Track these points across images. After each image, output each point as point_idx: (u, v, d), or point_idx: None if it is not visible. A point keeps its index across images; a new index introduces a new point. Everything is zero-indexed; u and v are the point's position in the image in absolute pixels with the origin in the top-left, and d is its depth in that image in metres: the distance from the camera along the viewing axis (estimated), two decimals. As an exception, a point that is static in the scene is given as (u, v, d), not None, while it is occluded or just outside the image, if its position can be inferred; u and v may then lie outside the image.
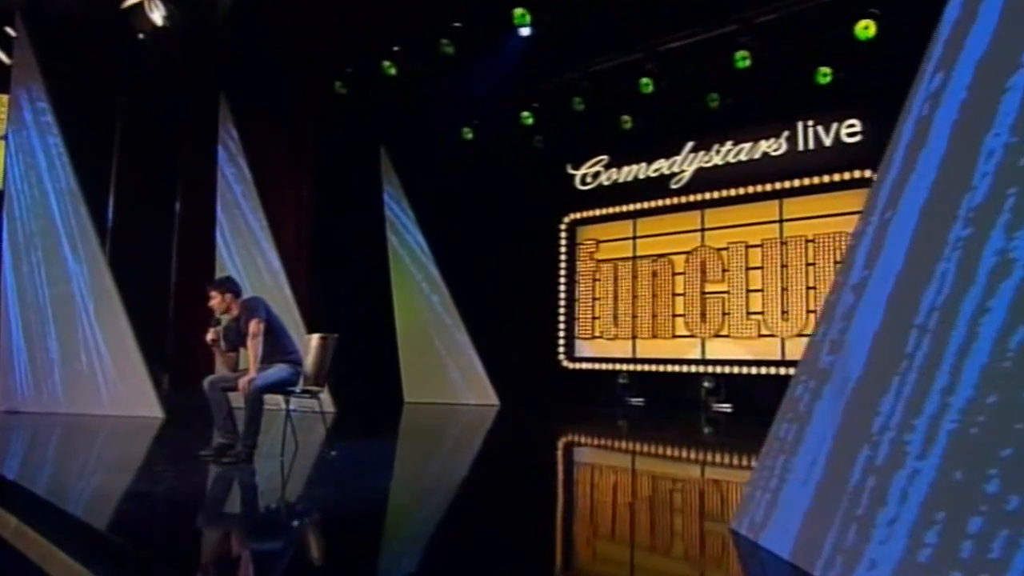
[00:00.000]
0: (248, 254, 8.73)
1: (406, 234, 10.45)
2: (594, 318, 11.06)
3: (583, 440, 7.17)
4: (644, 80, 8.77)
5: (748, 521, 3.20)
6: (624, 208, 10.78)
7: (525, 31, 8.08)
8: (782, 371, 9.12)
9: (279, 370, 4.79)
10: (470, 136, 10.55)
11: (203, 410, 8.00)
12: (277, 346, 4.84)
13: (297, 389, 4.93)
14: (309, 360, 5.13)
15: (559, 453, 6.40)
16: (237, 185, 9.04)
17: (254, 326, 4.75)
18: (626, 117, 9.87)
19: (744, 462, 5.89)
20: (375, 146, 10.61)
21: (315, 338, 5.23)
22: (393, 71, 8.76)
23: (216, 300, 4.86)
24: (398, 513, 3.83)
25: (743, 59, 8.00)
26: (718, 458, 6.05)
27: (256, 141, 9.28)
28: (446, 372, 9.98)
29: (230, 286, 4.94)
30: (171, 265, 10.55)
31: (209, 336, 4.85)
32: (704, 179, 9.99)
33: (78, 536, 3.23)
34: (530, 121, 10.15)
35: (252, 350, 4.71)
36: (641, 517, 3.85)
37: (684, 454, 6.35)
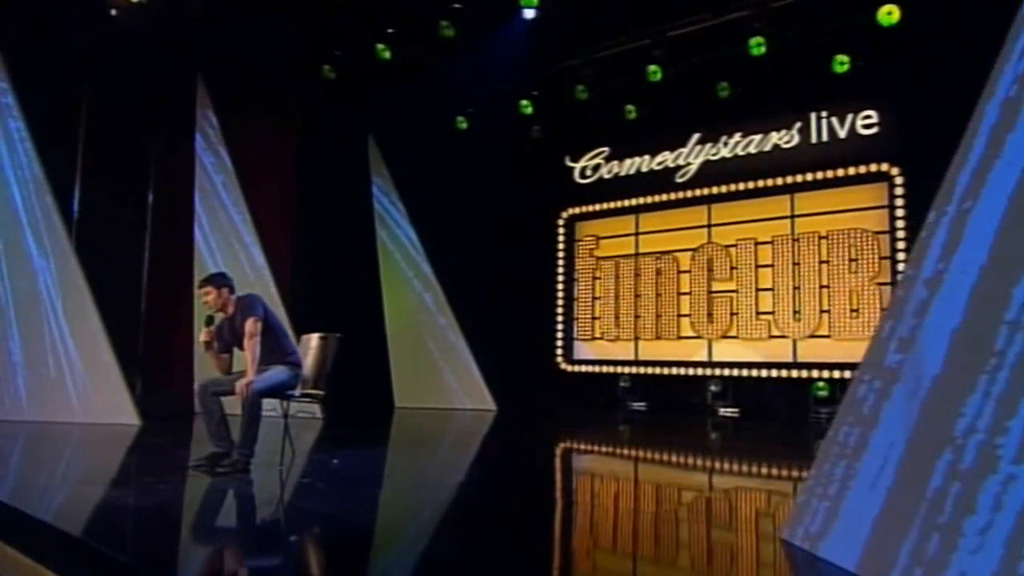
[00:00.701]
0: (230, 249, 8.58)
1: (396, 229, 10.36)
2: (594, 318, 11.04)
3: (589, 447, 7.13)
4: (652, 68, 8.74)
5: (803, 531, 3.15)
6: (626, 203, 10.78)
7: (530, 13, 8.01)
8: (794, 374, 9.17)
9: (278, 372, 4.66)
10: (464, 126, 10.46)
11: (181, 416, 8.01)
12: (276, 347, 4.71)
13: (296, 393, 4.83)
14: (308, 362, 5.02)
15: (569, 462, 6.35)
16: (217, 175, 8.88)
17: (251, 325, 4.62)
18: (630, 107, 9.84)
19: (764, 470, 5.88)
20: (362, 135, 10.48)
21: (314, 338, 5.13)
22: (388, 55, 8.63)
23: (211, 297, 4.71)
24: (408, 528, 3.73)
25: (758, 46, 7.99)
26: (736, 466, 6.01)
27: (237, 128, 9.11)
28: (440, 375, 9.89)
29: (225, 281, 4.80)
30: (143, 260, 10.28)
31: (202, 336, 4.72)
32: (711, 172, 10.00)
33: (69, 553, 3.11)
34: (529, 110, 10.08)
35: (250, 351, 4.59)
36: (678, 530, 3.79)
37: (699, 462, 6.32)
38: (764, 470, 5.91)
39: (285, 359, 4.76)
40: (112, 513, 3.70)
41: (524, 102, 10.02)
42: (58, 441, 6.23)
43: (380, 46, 8.61)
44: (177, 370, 8.79)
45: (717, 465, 6.11)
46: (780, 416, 9.34)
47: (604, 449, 7.02)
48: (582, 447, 7.16)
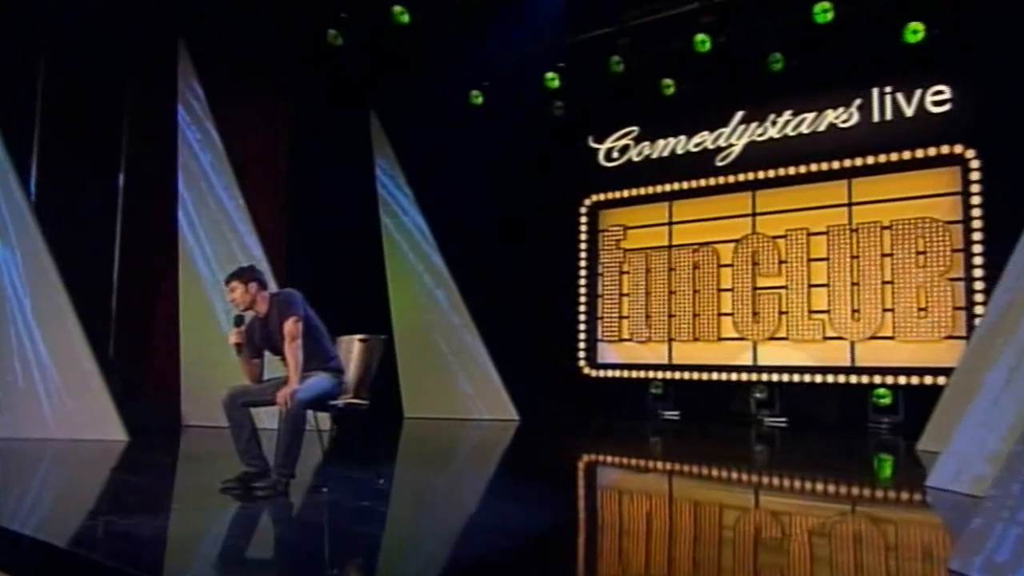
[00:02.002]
0: (221, 239, 8.24)
1: (403, 216, 10.09)
2: (621, 318, 10.83)
3: (636, 463, 6.96)
4: (700, 37, 8.50)
5: (983, 560, 2.95)
6: (658, 189, 10.59)
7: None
8: (852, 379, 9.04)
9: (321, 380, 4.48)
10: (479, 101, 10.19)
11: (166, 430, 7.65)
12: (317, 351, 4.52)
13: (340, 403, 4.60)
14: (350, 368, 4.79)
15: (634, 482, 6.12)
16: (204, 153, 8.53)
17: (292, 326, 4.41)
18: (668, 81, 9.61)
19: (857, 490, 5.69)
20: (362, 110, 10.16)
21: (355, 341, 4.87)
22: (406, 18, 8.30)
23: (238, 293, 4.51)
24: (524, 559, 3.46)
25: (824, 12, 7.78)
26: (821, 485, 5.80)
27: (227, 100, 8.74)
28: (454, 381, 9.65)
29: (254, 276, 4.59)
30: (112, 250, 9.87)
31: (232, 338, 4.50)
32: (756, 155, 9.81)
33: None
34: (556, 84, 9.81)
35: (292, 356, 4.37)
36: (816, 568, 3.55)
37: (773, 480, 6.16)
38: (857, 490, 5.72)
39: (326, 365, 4.57)
40: (153, 547, 3.39)
41: (550, 75, 9.74)
42: (39, 461, 5.91)
43: (398, 8, 8.26)
44: (158, 377, 8.42)
45: (795, 484, 5.90)
46: (833, 426, 9.21)
47: (658, 467, 6.81)
48: (636, 465, 6.95)
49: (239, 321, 4.53)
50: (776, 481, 6.14)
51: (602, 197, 11.06)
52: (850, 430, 8.87)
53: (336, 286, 9.44)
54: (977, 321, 8.11)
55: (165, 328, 8.38)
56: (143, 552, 3.29)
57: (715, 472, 6.38)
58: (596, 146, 11.06)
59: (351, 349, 4.83)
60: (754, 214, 9.89)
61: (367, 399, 4.79)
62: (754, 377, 9.69)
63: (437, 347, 9.73)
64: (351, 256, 9.58)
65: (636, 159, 10.78)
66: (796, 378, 9.39)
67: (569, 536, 4.01)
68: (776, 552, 3.75)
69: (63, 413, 6.82)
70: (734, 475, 6.23)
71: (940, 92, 8.62)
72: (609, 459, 7.35)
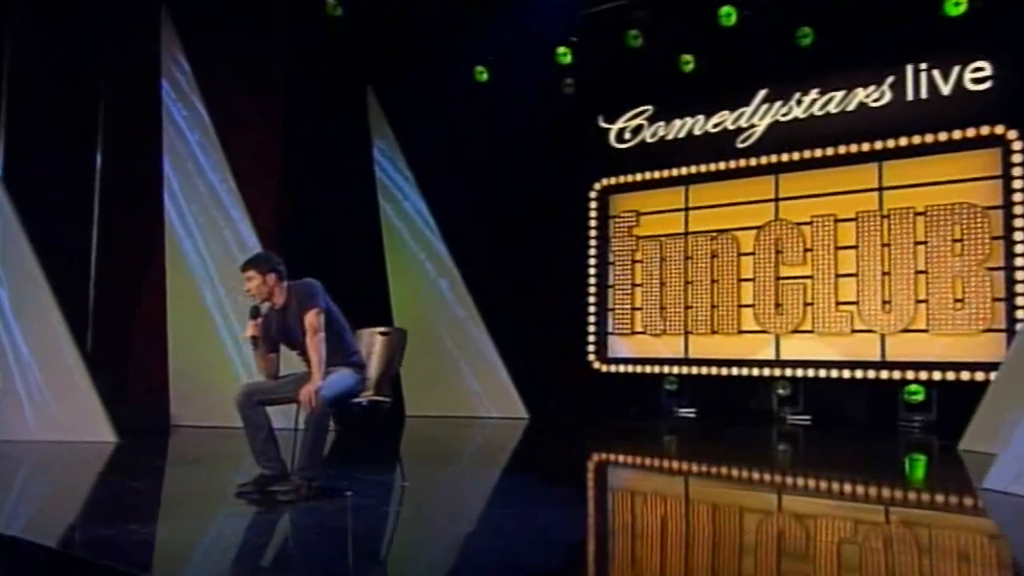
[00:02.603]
0: (212, 225, 8.08)
1: (404, 201, 9.98)
2: (634, 309, 10.72)
3: (661, 464, 6.87)
4: (725, 9, 8.36)
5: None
6: (674, 172, 10.43)
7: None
8: (882, 375, 8.95)
9: (344, 376, 4.42)
10: (485, 77, 10.02)
11: (154, 431, 7.47)
12: (338, 345, 4.46)
13: (364, 401, 4.57)
14: (372, 362, 4.77)
15: (668, 486, 6.01)
16: (192, 132, 8.36)
17: (314, 318, 4.35)
18: (688, 56, 9.46)
19: (889, 492, 5.61)
20: (359, 86, 9.98)
21: (376, 334, 4.81)
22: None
23: (255, 283, 4.43)
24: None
25: (861, -18, 7.66)
26: (862, 488, 5.70)
27: (215, 74, 8.56)
28: (459, 377, 9.55)
29: (271, 265, 4.49)
30: (90, 237, 9.64)
31: (248, 331, 4.42)
32: (781, 136, 9.66)
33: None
34: (567, 59, 9.64)
35: (315, 349, 4.31)
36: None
37: (812, 483, 6.09)
38: (903, 494, 5.65)
39: (348, 359, 4.53)
40: (182, 558, 3.26)
41: (562, 50, 9.57)
42: (26, 464, 5.79)
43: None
44: (144, 375, 8.21)
45: (835, 487, 5.77)
46: (861, 425, 9.16)
47: (684, 468, 6.70)
48: (663, 467, 6.85)
49: (255, 313, 4.45)
50: (812, 484, 6.06)
51: (613, 181, 10.89)
52: (879, 429, 8.79)
53: (333, 275, 9.17)
54: (1020, 313, 8.08)
55: (151, 322, 8.18)
56: (170, 562, 3.22)
57: (753, 475, 6.26)
58: (607, 126, 10.89)
59: (372, 342, 4.75)
60: (777, 199, 9.76)
61: (389, 396, 4.73)
62: (776, 372, 9.59)
63: (441, 340, 9.59)
64: (348, 244, 9.43)
65: (650, 140, 10.60)
66: (822, 373, 9.28)
67: (611, 543, 3.95)
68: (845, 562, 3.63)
69: (46, 413, 6.65)
70: (765, 477, 6.16)
71: (980, 69, 8.48)
72: (632, 460, 7.28)
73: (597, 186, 11.01)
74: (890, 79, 9.01)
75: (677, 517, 4.83)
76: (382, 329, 4.79)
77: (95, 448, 6.35)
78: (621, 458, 7.43)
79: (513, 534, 3.91)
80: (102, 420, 6.63)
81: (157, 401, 7.80)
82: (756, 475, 6.20)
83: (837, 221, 9.33)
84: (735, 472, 6.38)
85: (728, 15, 8.41)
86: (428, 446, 7.73)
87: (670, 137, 10.48)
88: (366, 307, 9.44)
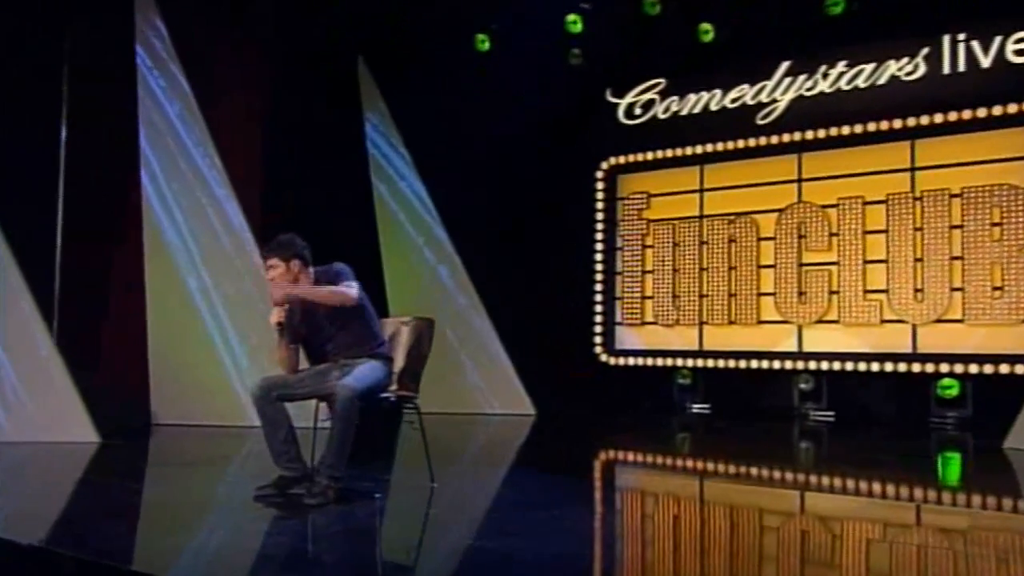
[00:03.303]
0: (195, 205, 7.90)
1: (399, 182, 9.90)
2: (644, 298, 10.67)
3: (691, 465, 6.83)
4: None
5: None
6: (687, 150, 10.35)
7: None
8: (914, 368, 8.93)
9: (374, 368, 4.47)
10: (486, 46, 9.88)
11: (136, 429, 7.30)
12: (366, 333, 4.54)
13: (392, 396, 4.66)
14: (399, 355, 4.89)
15: (708, 492, 5.92)
16: (171, 104, 8.14)
17: (347, 288, 4.42)
18: (707, 25, 9.36)
19: (947, 496, 5.56)
20: (349, 57, 9.81)
21: (400, 324, 4.96)
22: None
23: (278, 272, 4.46)
24: None
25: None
26: (919, 491, 5.64)
27: (195, 40, 8.36)
28: (461, 371, 9.46)
29: (295, 250, 4.53)
30: (55, 218, 9.39)
31: (274, 317, 4.38)
32: (805, 112, 9.58)
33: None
34: (578, 27, 9.52)
35: (333, 292, 4.38)
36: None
37: (851, 484, 6.00)
38: (952, 496, 5.61)
39: (376, 350, 4.55)
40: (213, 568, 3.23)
41: (572, 17, 9.43)
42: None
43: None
44: (122, 368, 8.01)
45: (878, 489, 5.69)
46: (889, 421, 9.18)
47: (720, 469, 6.62)
48: (695, 468, 6.79)
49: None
50: (851, 485, 5.99)
51: (622, 160, 10.80)
52: (909, 425, 8.79)
53: (323, 261, 9.15)
54: (1066, 302, 8.10)
55: (128, 312, 7.99)
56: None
57: (788, 476, 6.21)
58: (615, 101, 10.77)
59: (397, 332, 4.82)
60: (800, 180, 9.71)
61: (416, 391, 4.80)
62: (799, 365, 9.57)
63: (440, 330, 9.39)
64: (340, 227, 9.04)
65: (662, 116, 10.48)
66: (848, 366, 9.25)
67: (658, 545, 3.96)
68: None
69: (20, 411, 6.51)
70: (799, 478, 6.10)
71: (1023, 40, 8.47)
72: (654, 460, 7.31)
73: (605, 165, 10.91)
74: (925, 51, 8.93)
75: (723, 522, 4.77)
76: (406, 319, 4.88)
77: (74, 450, 6.23)
78: (645, 458, 7.43)
79: (563, 535, 3.87)
80: (83, 418, 6.49)
81: (136, 398, 7.62)
82: (792, 476, 6.14)
83: (865, 204, 9.28)
84: (767, 473, 6.35)
85: (755, -20, 8.30)
86: (438, 445, 7.61)
87: (684, 113, 10.37)
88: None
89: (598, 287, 10.88)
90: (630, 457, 7.50)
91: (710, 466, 7.03)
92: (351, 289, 4.35)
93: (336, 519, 4.09)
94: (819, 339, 9.53)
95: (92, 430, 6.47)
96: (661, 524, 4.60)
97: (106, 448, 6.28)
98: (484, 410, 9.32)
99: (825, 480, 6.34)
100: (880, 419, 9.24)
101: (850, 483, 6.07)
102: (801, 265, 9.64)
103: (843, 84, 9.41)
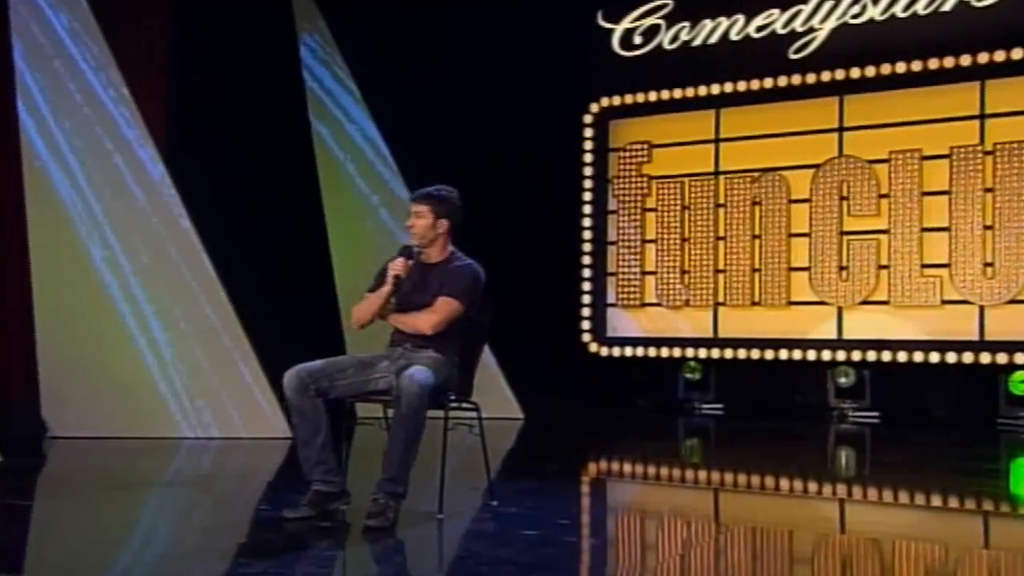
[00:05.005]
0: (97, 149, 7.28)
1: (346, 124, 9.70)
2: (644, 273, 10.61)
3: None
4: None
5: None
6: (701, 91, 10.32)
7: None
8: (981, 358, 9.03)
9: (439, 363, 4.57)
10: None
11: (26, 442, 6.74)
12: (449, 344, 4.69)
13: (452, 395, 4.81)
14: None
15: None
16: (57, 13, 7.52)
17: (446, 305, 4.57)
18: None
19: None
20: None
21: None
22: None
23: (423, 223, 4.64)
24: None
25: None
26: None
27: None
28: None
29: (450, 211, 4.68)
30: None
31: (395, 268, 4.55)
32: (848, 45, 9.61)
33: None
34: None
35: (415, 319, 4.60)
36: None
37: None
38: None
39: (442, 346, 4.65)
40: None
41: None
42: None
43: None
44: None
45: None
46: (947, 421, 9.31)
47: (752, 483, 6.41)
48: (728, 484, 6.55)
49: (408, 253, 4.63)
50: (906, 500, 5.78)
51: (616, 101, 10.71)
52: (973, 427, 8.91)
53: (251, 230, 9.06)
54: None
55: (4, 288, 7.49)
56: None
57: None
58: (609, 26, 10.61)
59: None
60: (841, 129, 9.72)
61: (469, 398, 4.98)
62: (839, 356, 9.60)
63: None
64: (268, 181, 9.17)
65: (669, 47, 10.40)
66: (901, 357, 9.30)
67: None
68: None
69: None
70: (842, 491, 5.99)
71: (1121, -40, 8.58)
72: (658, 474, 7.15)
73: (594, 108, 10.83)
74: (1001, -30, 9.02)
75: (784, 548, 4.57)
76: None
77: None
78: (645, 471, 7.26)
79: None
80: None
81: (22, 404, 7.24)
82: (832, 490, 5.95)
83: (923, 159, 9.33)
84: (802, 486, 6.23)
85: None
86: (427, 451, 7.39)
87: (697, 43, 10.34)
88: (297, 268, 9.26)
89: (586, 259, 10.87)
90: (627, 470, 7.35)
91: (728, 478, 6.84)
92: (429, 320, 4.56)
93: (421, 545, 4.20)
94: (863, 324, 9.60)
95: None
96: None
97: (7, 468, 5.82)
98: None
99: (872, 494, 6.15)
100: (937, 420, 9.33)
101: (903, 497, 5.89)
102: (842, 234, 9.70)
103: (898, 10, 9.40)
